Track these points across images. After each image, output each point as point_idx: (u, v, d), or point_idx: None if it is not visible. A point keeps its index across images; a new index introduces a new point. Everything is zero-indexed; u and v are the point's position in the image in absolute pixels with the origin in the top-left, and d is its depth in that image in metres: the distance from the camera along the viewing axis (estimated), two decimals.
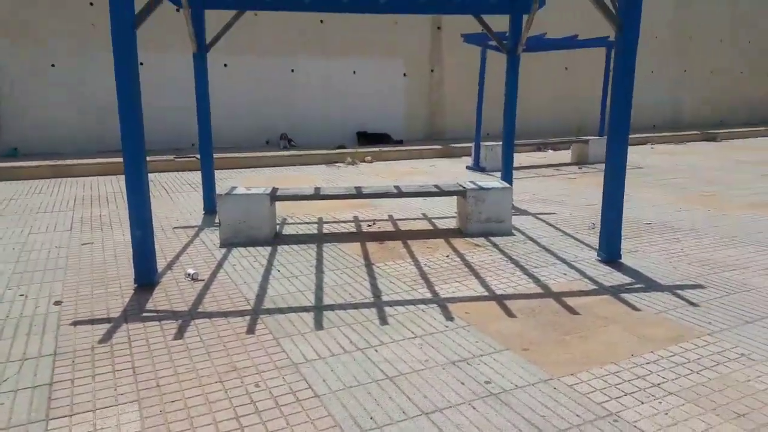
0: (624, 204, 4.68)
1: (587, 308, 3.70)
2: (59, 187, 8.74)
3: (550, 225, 6.04)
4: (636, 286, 4.13)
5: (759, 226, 5.90)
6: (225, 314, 3.66)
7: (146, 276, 4.21)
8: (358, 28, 13.12)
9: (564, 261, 4.76)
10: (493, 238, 5.50)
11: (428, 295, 3.98)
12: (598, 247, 4.88)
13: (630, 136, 4.53)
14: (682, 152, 12.68)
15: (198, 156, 7.64)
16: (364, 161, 11.59)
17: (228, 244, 5.35)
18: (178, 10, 10.60)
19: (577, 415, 2.50)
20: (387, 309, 3.73)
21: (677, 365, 2.93)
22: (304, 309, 3.75)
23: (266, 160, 11.05)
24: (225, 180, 9.19)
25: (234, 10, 6.33)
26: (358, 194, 5.70)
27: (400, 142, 13.49)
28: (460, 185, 5.88)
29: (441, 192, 5.75)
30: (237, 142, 12.50)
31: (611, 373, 2.86)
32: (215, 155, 7.00)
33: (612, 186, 4.61)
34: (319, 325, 3.48)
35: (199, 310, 3.75)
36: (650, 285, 4.14)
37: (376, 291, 4.07)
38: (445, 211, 6.79)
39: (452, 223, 6.14)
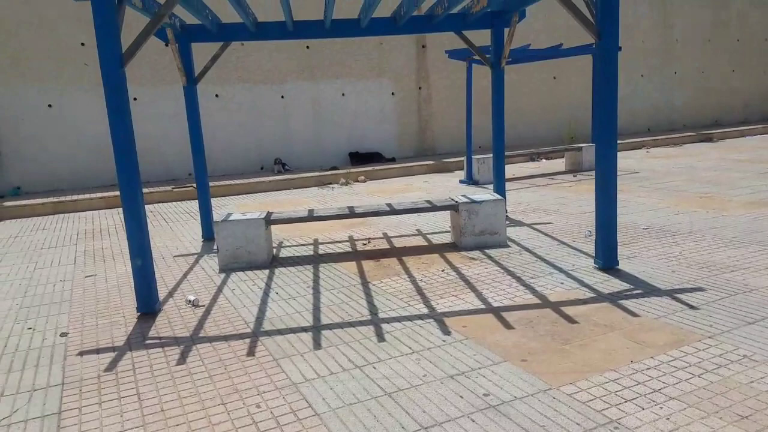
0: (621, 209, 4.70)
1: (585, 316, 3.71)
2: (62, 222, 8.84)
3: (546, 235, 6.06)
4: (634, 292, 4.13)
5: (759, 226, 5.87)
6: (225, 338, 3.69)
7: (148, 304, 4.25)
8: (344, 51, 13.32)
9: (561, 270, 4.77)
10: (488, 251, 5.53)
11: (425, 311, 3.99)
12: (594, 255, 4.89)
13: (625, 141, 4.59)
14: (678, 154, 12.72)
15: (195, 185, 7.70)
16: (358, 181, 11.66)
17: (227, 269, 5.39)
18: (166, 45, 10.76)
19: (577, 424, 2.50)
20: (384, 326, 3.74)
21: (678, 369, 2.92)
22: (303, 329, 3.77)
23: (261, 185, 11.13)
24: (222, 207, 9.25)
25: (220, 42, 6.43)
26: (352, 214, 5.74)
27: (392, 160, 13.57)
28: (452, 199, 5.92)
29: (433, 207, 5.79)
30: (233, 170, 12.63)
31: (611, 380, 2.86)
32: (211, 183, 7.07)
33: (604, 192, 4.61)
34: (317, 344, 3.50)
35: (201, 334, 3.78)
36: (649, 290, 4.14)
37: (372, 308, 4.09)
38: (439, 226, 6.82)
39: (447, 238, 6.17)
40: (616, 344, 3.26)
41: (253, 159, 12.85)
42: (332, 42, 13.10)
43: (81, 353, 3.61)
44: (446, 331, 3.59)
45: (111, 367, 3.37)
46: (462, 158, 11.69)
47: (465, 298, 4.20)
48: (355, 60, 13.47)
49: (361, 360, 3.25)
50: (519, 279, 4.60)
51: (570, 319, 3.68)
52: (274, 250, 6.08)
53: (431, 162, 12.74)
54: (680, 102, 18.13)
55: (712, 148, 13.89)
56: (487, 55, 6.77)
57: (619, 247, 4.86)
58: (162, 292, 4.78)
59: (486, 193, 6.18)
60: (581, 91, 15.72)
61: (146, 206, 6.94)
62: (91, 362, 3.46)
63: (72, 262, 6.09)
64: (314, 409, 2.73)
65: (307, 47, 13.01)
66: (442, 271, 4.96)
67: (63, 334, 3.96)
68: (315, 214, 5.73)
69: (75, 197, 10.05)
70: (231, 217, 5.51)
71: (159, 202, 10.09)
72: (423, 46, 14.14)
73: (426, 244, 6.01)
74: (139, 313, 4.26)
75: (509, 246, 5.67)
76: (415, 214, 7.51)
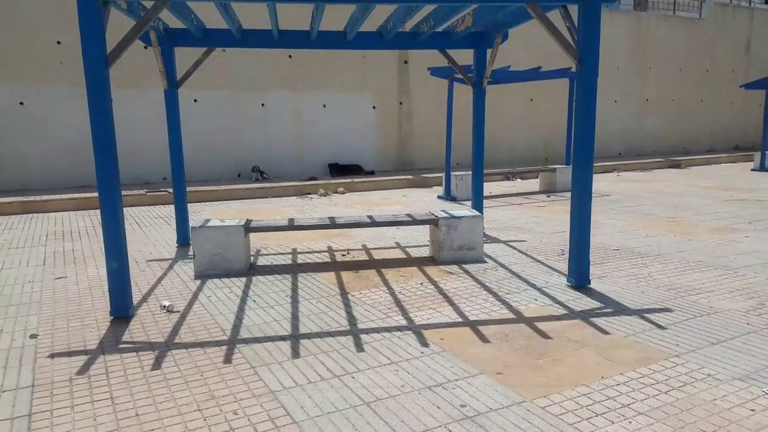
0: (593, 230, 4.83)
1: (559, 332, 3.80)
2: (31, 222, 8.63)
3: (521, 252, 6.17)
4: (605, 310, 4.25)
5: (723, 251, 6.09)
6: (202, 344, 3.66)
7: (122, 308, 4.19)
8: (328, 62, 13.40)
9: (535, 287, 4.87)
10: (465, 266, 5.60)
11: (403, 322, 4.03)
12: (567, 273, 5.00)
13: (596, 164, 4.73)
14: (648, 179, 13.06)
15: (170, 190, 7.64)
16: (336, 192, 11.68)
17: (203, 275, 5.34)
18: (146, 48, 10.69)
19: None
20: (363, 336, 3.77)
21: (646, 386, 3.02)
22: (281, 338, 3.77)
23: (238, 192, 11.06)
24: (197, 213, 9.17)
25: (204, 48, 6.44)
26: (333, 224, 5.77)
27: (371, 173, 13.65)
28: (432, 214, 5.99)
29: (414, 221, 5.85)
30: (209, 176, 12.53)
31: (582, 394, 2.94)
32: (187, 189, 7.01)
33: (579, 212, 4.74)
34: (295, 353, 3.51)
35: (176, 340, 3.74)
36: (619, 309, 4.26)
37: (351, 319, 4.11)
38: (418, 239, 6.88)
39: (425, 252, 6.23)
40: (588, 360, 3.35)
41: (231, 166, 12.77)
42: (316, 53, 13.15)
43: (52, 355, 3.53)
44: (424, 343, 3.64)
45: (83, 370, 3.31)
46: (441, 174, 11.82)
47: (443, 311, 4.25)
48: (337, 72, 13.56)
49: (340, 369, 3.26)
50: (495, 294, 4.67)
51: (544, 335, 3.76)
52: (252, 258, 6.05)
53: (410, 176, 12.85)
54: (651, 128, 18.67)
55: (680, 174, 14.32)
56: (470, 74, 6.91)
57: (591, 266, 4.98)
58: (136, 297, 4.70)
59: (465, 209, 6.27)
60: (555, 114, 16.07)
61: None
62: (63, 365, 3.39)
63: (41, 263, 5.96)
64: (292, 417, 2.74)
65: (290, 56, 13.05)
66: (421, 284, 5.01)
67: (33, 336, 3.87)
68: (296, 224, 5.74)
69: (45, 197, 9.83)
70: (209, 223, 5.48)
71: (132, 206, 9.94)
72: (405, 62, 14.33)
73: (405, 257, 6.06)
74: (112, 317, 4.19)
75: (486, 262, 5.76)
76: (395, 228, 7.56)
